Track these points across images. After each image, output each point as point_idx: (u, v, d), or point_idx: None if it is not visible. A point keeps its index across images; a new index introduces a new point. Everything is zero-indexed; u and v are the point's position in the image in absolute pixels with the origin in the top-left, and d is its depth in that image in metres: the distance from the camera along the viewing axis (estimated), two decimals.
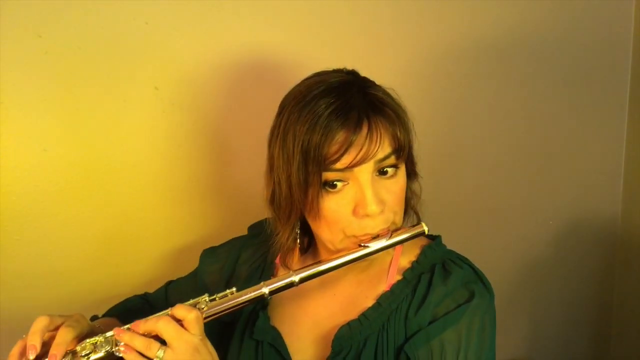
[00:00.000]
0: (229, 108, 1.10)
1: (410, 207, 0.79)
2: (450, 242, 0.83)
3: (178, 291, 0.93)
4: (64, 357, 0.64)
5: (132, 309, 0.91)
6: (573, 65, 1.36)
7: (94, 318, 0.86)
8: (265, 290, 0.69)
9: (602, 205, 1.49)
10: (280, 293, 0.78)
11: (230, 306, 0.69)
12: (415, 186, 0.79)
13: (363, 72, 0.75)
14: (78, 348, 0.66)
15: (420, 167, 0.81)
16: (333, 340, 0.73)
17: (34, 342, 0.64)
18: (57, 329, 0.67)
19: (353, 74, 0.73)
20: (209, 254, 0.93)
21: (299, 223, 0.75)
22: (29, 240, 0.99)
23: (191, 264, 0.99)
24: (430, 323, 0.71)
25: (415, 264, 0.77)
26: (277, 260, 0.83)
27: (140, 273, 1.07)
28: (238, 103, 1.09)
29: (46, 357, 0.64)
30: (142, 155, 1.05)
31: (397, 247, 0.77)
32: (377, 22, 1.15)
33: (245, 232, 0.95)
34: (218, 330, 0.85)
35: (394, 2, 1.16)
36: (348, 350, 0.72)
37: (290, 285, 0.70)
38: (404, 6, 1.17)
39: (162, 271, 1.10)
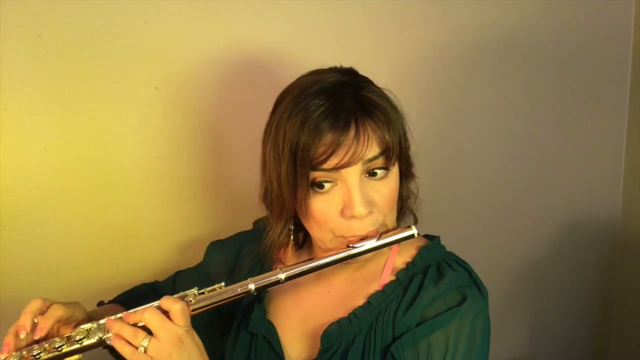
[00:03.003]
0: (228, 108, 1.10)
1: (407, 207, 0.79)
2: (450, 243, 0.83)
3: (185, 281, 0.94)
4: (60, 339, 0.68)
5: (138, 297, 0.92)
6: (573, 65, 1.36)
7: (101, 304, 0.88)
8: (252, 286, 0.70)
9: (602, 205, 1.49)
10: (278, 288, 0.80)
11: (217, 300, 0.70)
12: (412, 186, 0.79)
13: (361, 70, 0.75)
14: (73, 333, 0.69)
15: (420, 168, 0.81)
16: (322, 337, 0.73)
17: (25, 322, 0.69)
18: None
19: (349, 73, 0.73)
20: (215, 246, 0.94)
21: (292, 219, 0.76)
22: (30, 240, 0.99)
23: (191, 262, 0.99)
24: (418, 324, 0.70)
25: (409, 265, 0.76)
26: (281, 254, 0.83)
27: (140, 272, 1.07)
28: (238, 102, 1.09)
29: (44, 338, 0.69)
30: (142, 155, 1.05)
31: (393, 247, 0.78)
32: (376, 20, 1.16)
33: (247, 228, 0.95)
34: (220, 323, 0.87)
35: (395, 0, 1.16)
36: (337, 348, 0.73)
37: (277, 282, 0.70)
38: (404, 4, 1.17)
39: (162, 269, 1.10)
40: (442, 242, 0.81)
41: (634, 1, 1.37)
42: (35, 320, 0.70)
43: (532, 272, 1.47)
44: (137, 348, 0.65)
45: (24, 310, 0.70)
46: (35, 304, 0.71)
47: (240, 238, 0.93)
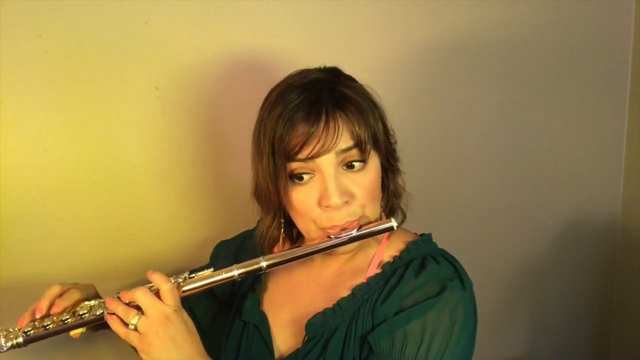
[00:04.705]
0: (228, 107, 1.10)
1: (396, 204, 0.81)
2: (450, 242, 0.83)
3: None
4: (67, 313, 0.75)
5: None
6: (573, 65, 1.36)
7: None
8: (236, 272, 0.74)
9: (602, 205, 1.49)
10: (272, 280, 0.87)
11: (205, 283, 0.75)
12: (399, 182, 0.81)
13: (357, 70, 0.77)
14: (78, 308, 0.76)
15: (418, 167, 0.82)
16: (306, 327, 0.76)
17: (42, 306, 0.76)
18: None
19: (331, 71, 0.76)
20: (220, 245, 0.98)
21: (281, 213, 0.79)
22: (30, 241, 0.99)
23: (191, 263, 0.99)
24: (396, 314, 0.71)
25: (396, 259, 0.78)
26: (276, 249, 0.85)
27: (140, 271, 1.07)
28: (238, 102, 1.09)
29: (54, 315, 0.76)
30: (143, 155, 1.05)
31: (382, 242, 0.81)
32: (373, 21, 1.16)
33: (250, 225, 0.95)
34: (225, 317, 0.91)
35: (387, 1, 1.16)
36: (320, 337, 0.75)
37: (259, 270, 0.74)
38: (403, 5, 1.17)
39: (164, 269, 1.10)
40: (441, 243, 0.82)
41: (634, 1, 1.37)
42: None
43: (532, 272, 1.47)
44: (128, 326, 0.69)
45: (43, 295, 0.77)
46: (54, 290, 0.78)
47: (243, 235, 0.97)
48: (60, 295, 0.79)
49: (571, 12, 1.32)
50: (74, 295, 0.78)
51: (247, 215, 0.97)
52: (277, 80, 0.77)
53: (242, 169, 1.10)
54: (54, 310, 0.76)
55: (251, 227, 0.96)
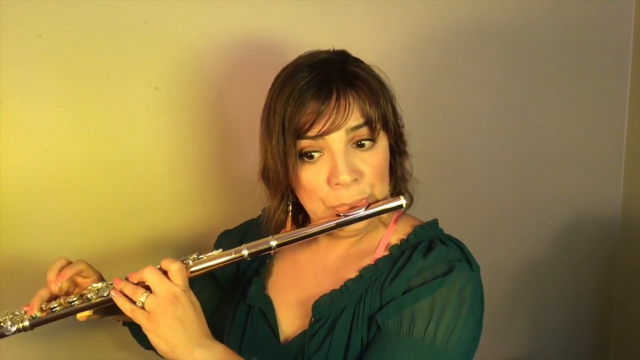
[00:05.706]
0: (228, 107, 1.10)
1: (403, 187, 0.81)
2: None
3: None
4: (74, 296, 0.76)
5: None
6: (573, 64, 1.36)
7: None
8: (245, 252, 0.74)
9: (602, 205, 1.50)
10: (276, 264, 0.87)
11: (214, 263, 0.75)
12: (406, 167, 0.81)
13: (363, 55, 0.77)
14: (86, 291, 0.76)
15: (418, 167, 0.82)
16: (313, 308, 0.76)
17: (51, 277, 0.78)
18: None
19: (340, 53, 0.77)
20: (224, 234, 0.98)
21: (289, 196, 0.79)
22: (30, 241, 0.99)
23: None
24: (404, 293, 0.71)
25: (403, 242, 0.78)
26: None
27: None
28: (238, 102, 1.09)
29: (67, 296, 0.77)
30: (143, 155, 1.05)
31: (389, 225, 0.81)
32: (376, 5, 1.16)
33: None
34: (226, 304, 0.91)
35: None
36: (327, 318, 0.75)
37: (269, 248, 0.74)
38: None
39: None
40: (439, 226, 0.82)
41: (634, 1, 1.37)
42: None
43: (532, 272, 1.47)
44: (136, 304, 0.69)
45: (50, 268, 0.79)
46: (59, 261, 0.80)
47: (246, 224, 0.97)
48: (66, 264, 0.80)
49: (571, 12, 1.33)
50: (80, 265, 0.79)
51: (248, 214, 0.97)
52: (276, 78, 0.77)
53: (243, 167, 1.11)
54: (59, 279, 0.77)
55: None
